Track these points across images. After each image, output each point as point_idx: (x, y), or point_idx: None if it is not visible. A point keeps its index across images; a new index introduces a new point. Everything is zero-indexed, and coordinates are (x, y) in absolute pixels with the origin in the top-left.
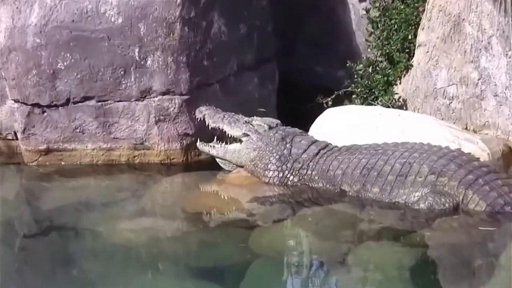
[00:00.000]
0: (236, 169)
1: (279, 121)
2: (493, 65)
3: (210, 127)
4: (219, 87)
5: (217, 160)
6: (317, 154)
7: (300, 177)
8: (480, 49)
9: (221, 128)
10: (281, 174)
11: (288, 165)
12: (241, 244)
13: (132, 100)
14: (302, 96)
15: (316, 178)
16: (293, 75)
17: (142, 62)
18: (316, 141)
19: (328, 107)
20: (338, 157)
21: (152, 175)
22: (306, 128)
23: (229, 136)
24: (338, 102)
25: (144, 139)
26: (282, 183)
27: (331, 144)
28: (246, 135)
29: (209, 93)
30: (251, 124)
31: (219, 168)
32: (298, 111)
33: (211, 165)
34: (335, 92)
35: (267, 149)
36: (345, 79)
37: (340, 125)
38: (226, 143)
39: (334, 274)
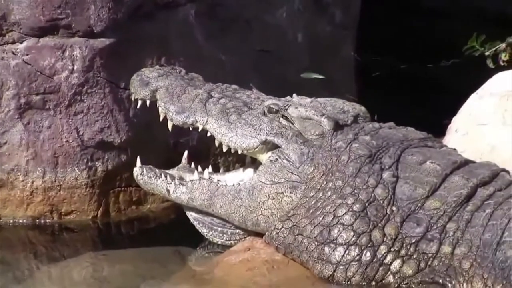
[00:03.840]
0: (243, 239)
1: (363, 109)
2: None
3: (171, 123)
4: (196, 11)
5: (190, 215)
6: (467, 199)
7: (421, 262)
8: None
9: (201, 129)
10: (367, 256)
11: (388, 230)
12: None
13: None
14: (420, 41)
15: (467, 265)
16: None
17: None
18: (464, 162)
19: (500, 66)
20: None
21: (10, 261)
22: (435, 126)
23: (225, 150)
24: None
25: None
26: (369, 279)
27: (507, 173)
28: (272, 146)
29: (170, 28)
30: (283, 116)
31: (198, 239)
32: (410, 80)
33: (173, 231)
34: None
35: (329, 185)
36: None
37: None
38: (216, 171)
39: None
